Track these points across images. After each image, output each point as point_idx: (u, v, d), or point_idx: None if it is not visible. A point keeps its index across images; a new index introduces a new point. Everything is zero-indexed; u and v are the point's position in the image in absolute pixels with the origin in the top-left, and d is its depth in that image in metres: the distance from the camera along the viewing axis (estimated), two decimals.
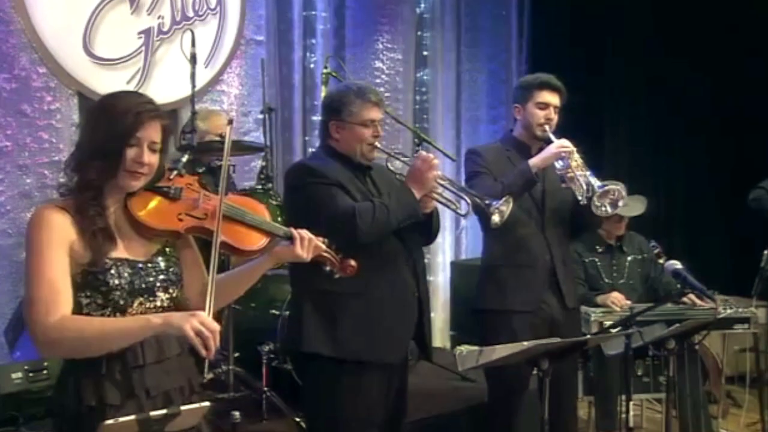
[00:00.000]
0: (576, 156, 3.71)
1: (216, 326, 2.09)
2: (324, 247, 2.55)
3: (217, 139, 4.87)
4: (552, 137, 3.82)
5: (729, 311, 4.49)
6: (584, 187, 3.67)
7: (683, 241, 7.01)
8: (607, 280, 4.93)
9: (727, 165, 6.86)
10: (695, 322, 3.87)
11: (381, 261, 3.22)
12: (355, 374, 3.19)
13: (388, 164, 3.41)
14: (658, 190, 6.74)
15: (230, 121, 2.66)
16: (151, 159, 2.25)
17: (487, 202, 3.34)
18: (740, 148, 6.78)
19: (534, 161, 3.75)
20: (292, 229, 2.50)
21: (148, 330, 2.13)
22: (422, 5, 7.09)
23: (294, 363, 4.34)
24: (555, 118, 3.91)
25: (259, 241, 2.43)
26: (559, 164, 3.74)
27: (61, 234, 2.14)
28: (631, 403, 3.58)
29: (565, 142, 3.75)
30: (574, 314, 4.08)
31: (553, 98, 3.90)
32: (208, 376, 4.50)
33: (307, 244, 2.48)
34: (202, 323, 2.07)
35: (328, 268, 2.62)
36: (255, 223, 2.44)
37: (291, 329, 3.37)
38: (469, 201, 3.34)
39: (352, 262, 2.63)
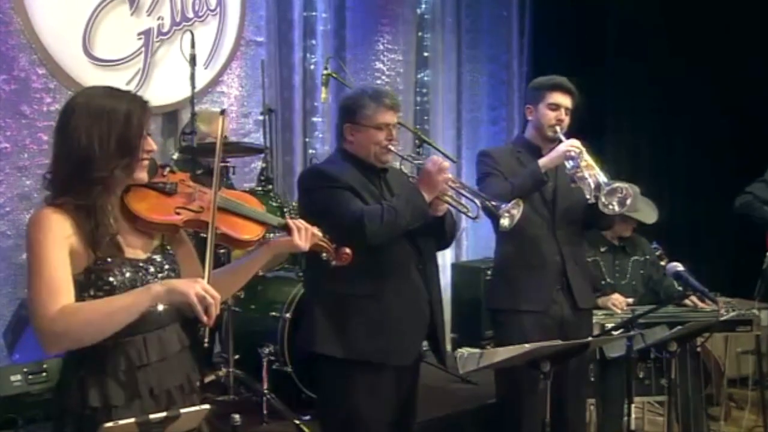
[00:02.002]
0: (585, 156, 3.72)
1: (218, 294, 2.14)
2: (320, 235, 2.58)
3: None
4: (563, 138, 3.84)
5: (731, 313, 4.47)
6: (592, 186, 3.67)
7: (685, 243, 6.98)
8: (609, 280, 4.91)
9: (731, 166, 6.84)
10: (697, 325, 3.86)
11: (391, 265, 3.25)
12: (365, 375, 3.21)
13: (402, 167, 3.42)
14: (660, 191, 6.68)
15: (222, 111, 2.68)
16: (153, 144, 2.31)
17: (495, 204, 3.33)
18: (744, 148, 6.76)
19: (543, 161, 3.76)
20: (288, 220, 2.53)
21: (152, 299, 2.16)
22: (423, 6, 7.08)
23: (296, 366, 4.34)
24: (566, 119, 3.93)
25: (255, 231, 2.46)
26: (568, 164, 3.75)
27: (60, 234, 2.14)
28: (633, 405, 3.56)
29: (574, 142, 3.76)
30: (587, 315, 4.10)
31: (564, 100, 3.92)
32: (209, 378, 4.50)
33: (305, 234, 2.51)
34: (205, 289, 2.12)
35: (324, 256, 2.65)
36: (251, 213, 2.48)
37: (302, 330, 3.38)
38: (479, 204, 3.33)
39: (347, 250, 2.66)
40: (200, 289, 2.12)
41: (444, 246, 3.60)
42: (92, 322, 2.11)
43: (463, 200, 3.41)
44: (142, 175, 2.29)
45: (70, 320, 2.09)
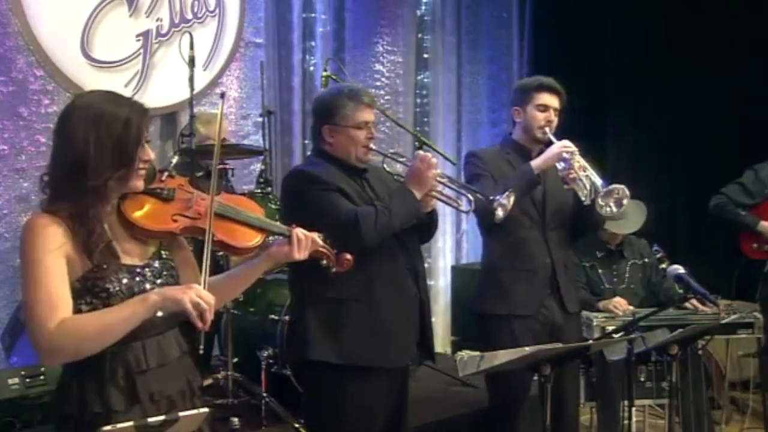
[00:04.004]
0: (578, 157, 3.69)
1: (212, 298, 2.14)
2: (320, 242, 2.55)
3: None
4: (553, 139, 3.81)
5: (732, 316, 4.45)
6: (588, 187, 3.65)
7: (686, 245, 6.97)
8: (607, 286, 4.89)
9: (732, 167, 6.81)
10: (699, 328, 3.85)
11: (381, 264, 3.20)
12: (357, 380, 3.17)
13: (384, 165, 3.38)
14: (661, 193, 6.69)
15: (222, 95, 2.65)
16: (151, 152, 2.28)
17: (491, 198, 3.30)
18: (745, 150, 6.73)
19: (536, 162, 3.73)
20: (290, 229, 2.49)
21: (148, 309, 2.14)
22: (423, 7, 7.07)
23: (295, 369, 4.32)
24: (555, 120, 3.90)
25: (254, 238, 2.43)
26: (561, 165, 3.72)
27: (55, 242, 2.12)
28: (634, 408, 3.55)
29: (567, 143, 3.73)
30: (575, 318, 4.04)
31: (552, 100, 3.88)
32: (207, 381, 4.48)
33: (305, 245, 2.48)
34: (199, 296, 2.12)
35: (324, 263, 2.62)
36: (249, 220, 2.44)
37: (295, 337, 3.34)
38: (471, 198, 3.30)
39: (348, 256, 2.64)
40: (194, 295, 2.11)
41: (426, 240, 3.55)
42: (90, 336, 2.11)
43: (453, 195, 3.39)
44: (138, 184, 2.26)
45: (68, 335, 2.08)
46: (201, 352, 2.21)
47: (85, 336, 2.10)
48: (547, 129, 3.86)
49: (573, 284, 4.03)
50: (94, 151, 2.15)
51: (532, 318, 3.80)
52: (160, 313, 2.26)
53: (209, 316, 2.12)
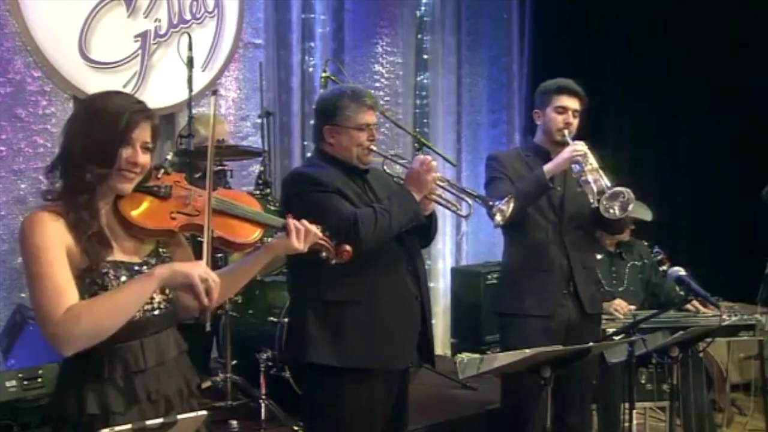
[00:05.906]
0: (591, 159, 3.71)
1: (218, 278, 2.18)
2: (320, 234, 2.55)
3: (216, 144, 4.82)
4: (569, 141, 3.82)
5: (734, 318, 4.44)
6: (595, 190, 3.66)
7: (687, 247, 6.96)
8: (607, 288, 4.88)
9: (733, 168, 6.81)
10: (699, 330, 3.83)
11: (382, 266, 3.19)
12: (357, 382, 3.16)
13: (385, 167, 3.37)
14: (661, 194, 6.66)
15: (215, 92, 2.65)
16: (145, 159, 2.24)
17: (490, 203, 3.29)
18: (746, 150, 6.73)
19: (548, 166, 3.75)
20: (288, 220, 2.48)
21: (157, 283, 2.17)
22: (422, 8, 7.05)
23: (294, 371, 4.31)
24: (574, 122, 3.93)
25: (253, 233, 2.43)
26: (575, 168, 3.76)
27: (56, 237, 2.12)
28: (634, 411, 3.55)
29: (578, 145, 3.75)
30: (595, 320, 4.07)
31: (571, 102, 3.91)
32: (206, 384, 4.46)
33: (303, 235, 2.48)
34: (206, 271, 2.17)
35: (324, 255, 2.62)
36: (247, 215, 2.44)
37: (294, 339, 3.32)
38: (470, 202, 3.29)
39: (348, 247, 2.63)
40: (202, 271, 2.15)
41: (427, 243, 3.54)
42: (100, 318, 2.10)
43: (453, 198, 3.38)
44: (122, 187, 2.23)
45: (79, 319, 2.07)
46: (208, 329, 2.23)
47: (95, 319, 2.09)
48: (566, 131, 3.88)
49: (593, 285, 4.05)
50: (80, 142, 2.18)
51: (549, 318, 3.83)
52: (157, 311, 2.27)
53: (215, 294, 2.15)
